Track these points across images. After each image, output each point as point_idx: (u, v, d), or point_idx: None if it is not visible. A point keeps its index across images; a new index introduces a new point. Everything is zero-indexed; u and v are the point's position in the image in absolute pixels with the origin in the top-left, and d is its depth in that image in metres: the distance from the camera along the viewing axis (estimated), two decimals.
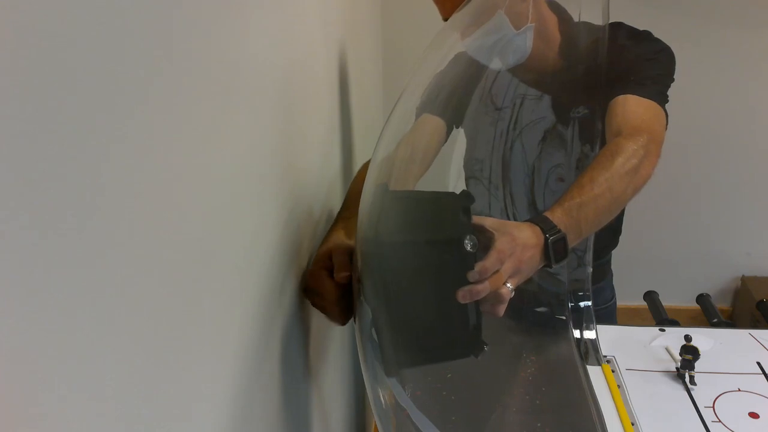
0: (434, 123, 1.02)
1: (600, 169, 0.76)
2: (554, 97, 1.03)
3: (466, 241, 0.60)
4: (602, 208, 0.74)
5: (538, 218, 0.69)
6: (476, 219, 0.64)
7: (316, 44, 0.87)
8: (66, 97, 0.27)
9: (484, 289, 0.59)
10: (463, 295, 0.59)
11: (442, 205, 0.65)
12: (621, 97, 0.90)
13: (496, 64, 0.98)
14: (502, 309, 0.62)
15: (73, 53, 0.27)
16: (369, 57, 1.68)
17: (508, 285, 0.62)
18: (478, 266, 0.60)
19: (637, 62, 0.94)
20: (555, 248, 0.67)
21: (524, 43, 0.93)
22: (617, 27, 0.99)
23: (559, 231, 0.67)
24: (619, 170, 0.76)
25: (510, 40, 0.92)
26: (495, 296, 0.61)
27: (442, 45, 0.86)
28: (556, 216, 0.69)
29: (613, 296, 1.30)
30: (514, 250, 0.63)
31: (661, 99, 0.92)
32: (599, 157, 0.80)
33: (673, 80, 0.96)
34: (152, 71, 0.35)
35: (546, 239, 0.66)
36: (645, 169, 0.79)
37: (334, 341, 1.07)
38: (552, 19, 1.00)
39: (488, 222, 0.65)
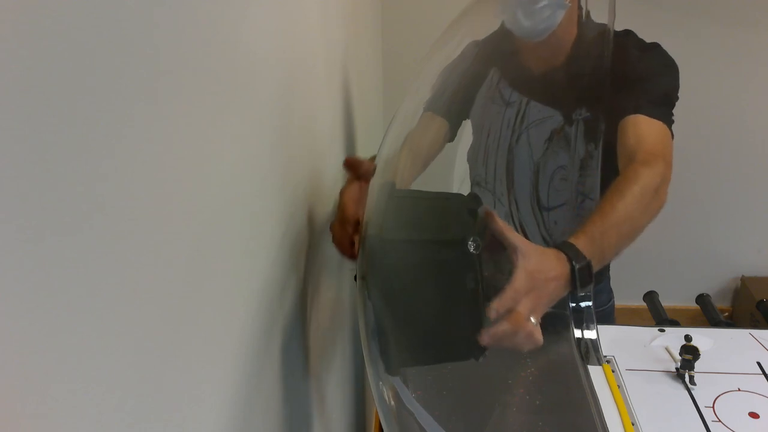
0: (436, 123, 1.02)
1: (620, 197, 0.78)
2: (560, 95, 1.03)
3: (470, 243, 0.60)
4: (623, 236, 0.76)
5: (564, 245, 0.68)
6: (505, 229, 0.63)
7: (316, 44, 0.87)
8: (66, 96, 0.27)
9: (504, 331, 0.59)
10: (485, 340, 0.59)
11: (448, 206, 0.65)
12: (632, 117, 0.91)
13: (520, 27, 0.93)
14: (529, 345, 0.62)
15: (73, 52, 0.27)
16: (369, 56, 1.68)
17: (532, 320, 0.61)
18: (493, 304, 0.59)
19: (647, 74, 0.95)
20: (581, 276, 0.67)
21: (556, 13, 0.91)
22: (626, 35, 1.00)
23: (585, 258, 0.67)
24: (639, 198, 0.78)
25: (545, 6, 0.90)
26: (521, 335, 0.60)
27: (456, 34, 0.85)
28: (581, 243, 0.69)
29: (610, 299, 1.30)
30: (534, 286, 0.62)
31: (670, 120, 0.93)
32: (619, 184, 0.81)
33: (678, 98, 0.97)
34: (152, 71, 0.35)
35: (572, 267, 0.66)
36: (661, 196, 0.81)
37: (335, 341, 1.07)
38: (575, 12, 1.00)
39: (515, 240, 0.64)
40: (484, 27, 0.96)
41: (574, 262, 0.66)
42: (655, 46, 0.98)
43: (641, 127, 0.90)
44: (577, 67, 1.00)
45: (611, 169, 0.92)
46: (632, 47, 0.98)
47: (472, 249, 0.60)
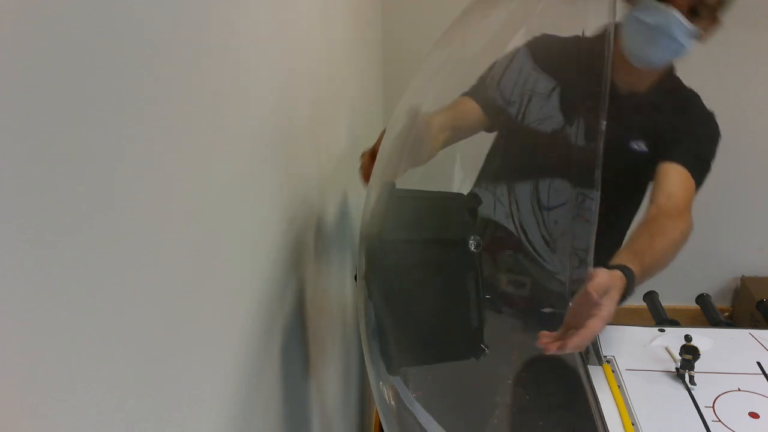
0: (476, 110, 1.03)
1: (669, 239, 0.90)
2: (567, 97, 1.04)
3: (471, 242, 0.60)
4: (655, 272, 0.88)
5: (631, 276, 0.77)
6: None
7: (316, 44, 0.87)
8: (66, 97, 0.27)
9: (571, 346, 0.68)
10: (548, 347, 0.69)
11: (448, 205, 0.65)
12: (683, 170, 1.00)
13: (644, 52, 0.97)
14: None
15: (73, 53, 0.27)
16: (369, 56, 1.68)
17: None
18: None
19: (702, 135, 1.06)
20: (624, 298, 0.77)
21: (683, 47, 0.95)
22: (694, 96, 1.10)
23: (633, 288, 0.78)
24: (677, 245, 0.91)
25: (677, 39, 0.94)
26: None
27: (457, 34, 0.86)
28: (636, 273, 0.79)
29: None
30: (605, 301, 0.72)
31: (700, 183, 1.03)
32: (666, 226, 0.91)
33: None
34: (152, 71, 0.35)
35: (623, 296, 0.76)
36: (687, 233, 0.93)
37: (335, 341, 1.07)
38: None
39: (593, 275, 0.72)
40: (485, 27, 0.95)
41: (626, 293, 0.76)
42: (712, 114, 1.09)
43: (685, 181, 1.00)
44: (658, 100, 1.06)
45: (618, 174, 0.95)
46: (696, 107, 1.09)
47: (472, 248, 0.60)
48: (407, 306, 0.63)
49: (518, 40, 1.00)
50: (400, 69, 2.09)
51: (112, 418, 0.31)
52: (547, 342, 0.70)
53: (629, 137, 1.06)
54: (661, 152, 1.02)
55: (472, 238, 0.60)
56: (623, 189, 1.10)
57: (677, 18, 0.92)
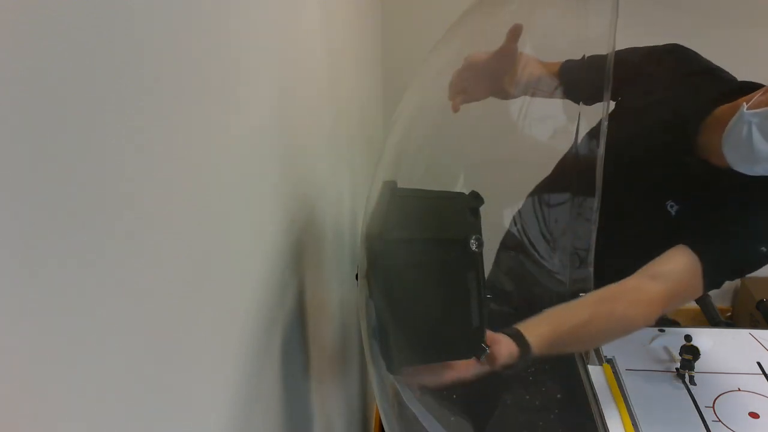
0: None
1: (610, 326, 0.82)
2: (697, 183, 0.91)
3: (472, 241, 0.60)
4: (569, 352, 0.87)
5: (525, 361, 0.71)
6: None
7: (316, 45, 0.87)
8: (67, 98, 0.27)
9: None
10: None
11: (450, 205, 0.65)
12: (697, 266, 0.82)
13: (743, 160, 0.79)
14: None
15: (76, 55, 0.27)
16: (369, 57, 1.68)
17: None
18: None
19: (754, 248, 0.85)
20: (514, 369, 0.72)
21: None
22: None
23: (527, 360, 0.71)
24: (616, 334, 0.86)
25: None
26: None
27: (457, 35, 0.85)
28: (536, 355, 0.72)
29: None
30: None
31: (713, 287, 0.86)
32: (622, 309, 0.82)
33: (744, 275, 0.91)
34: (153, 72, 0.35)
35: (515, 364, 0.70)
36: (633, 329, 0.85)
37: (335, 340, 1.07)
38: None
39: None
40: (486, 28, 0.95)
41: (518, 361, 0.70)
42: None
43: (689, 275, 0.83)
44: (727, 184, 0.87)
45: (637, 222, 0.94)
46: (764, 211, 0.87)
47: (474, 247, 0.60)
48: (408, 305, 0.63)
49: (519, 41, 1.00)
50: (400, 69, 2.08)
51: (111, 419, 0.31)
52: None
53: (670, 196, 0.92)
54: (689, 233, 0.85)
55: (473, 237, 0.60)
56: (632, 238, 0.97)
57: None
